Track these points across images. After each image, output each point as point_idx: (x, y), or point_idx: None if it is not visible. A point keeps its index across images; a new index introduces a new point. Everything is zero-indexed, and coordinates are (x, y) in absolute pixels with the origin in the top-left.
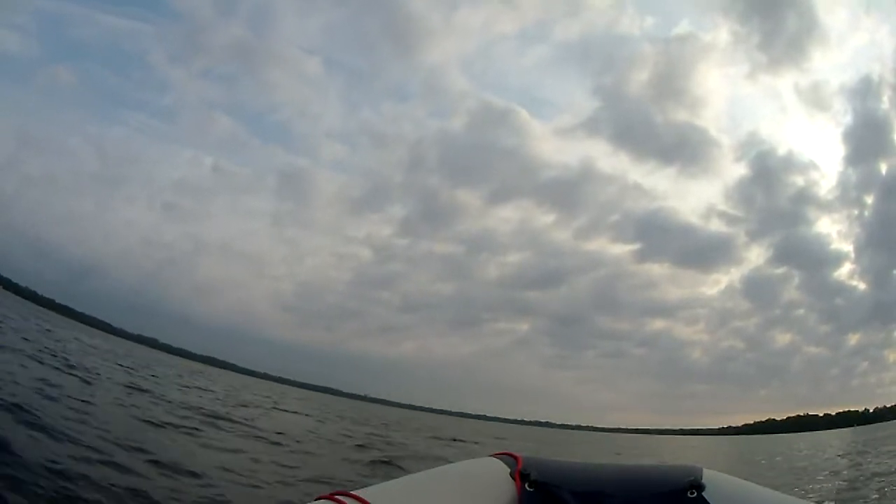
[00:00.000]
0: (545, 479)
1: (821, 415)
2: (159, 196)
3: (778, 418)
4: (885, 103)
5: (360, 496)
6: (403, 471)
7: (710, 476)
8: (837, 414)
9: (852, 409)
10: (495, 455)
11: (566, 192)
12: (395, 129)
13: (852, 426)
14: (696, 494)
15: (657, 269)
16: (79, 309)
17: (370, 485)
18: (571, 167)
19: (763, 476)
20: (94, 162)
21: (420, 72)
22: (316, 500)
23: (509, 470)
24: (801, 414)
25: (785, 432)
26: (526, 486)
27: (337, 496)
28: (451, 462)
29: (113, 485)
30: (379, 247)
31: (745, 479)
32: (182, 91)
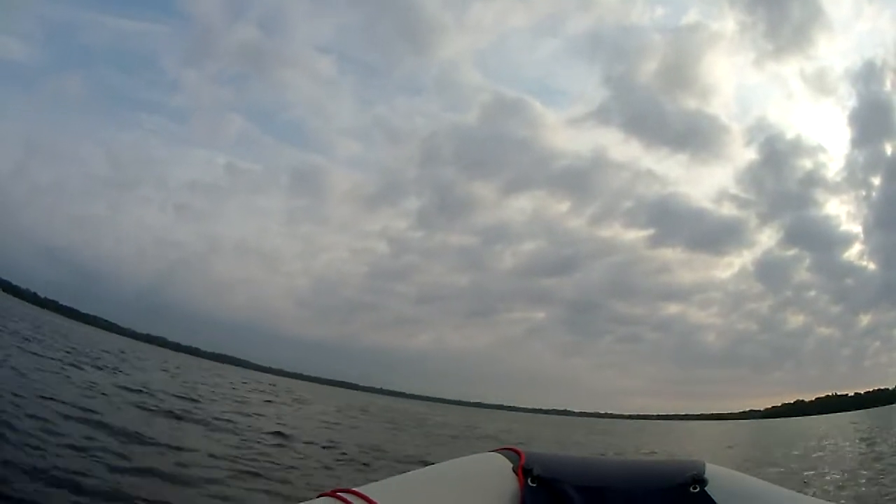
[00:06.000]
0: (548, 475)
1: (850, 394)
2: (173, 197)
3: (806, 399)
4: (888, 86)
5: (363, 493)
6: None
7: (712, 471)
8: (867, 393)
9: (881, 388)
10: (497, 450)
11: (579, 180)
12: (410, 123)
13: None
14: (698, 489)
15: (671, 254)
16: (83, 310)
17: (372, 481)
18: (584, 156)
19: None
20: (107, 165)
21: (433, 67)
22: (318, 496)
23: (512, 465)
24: (830, 394)
25: (815, 414)
26: (529, 481)
27: (339, 493)
28: (454, 458)
29: None
30: (395, 240)
31: (747, 474)
32: (194, 92)
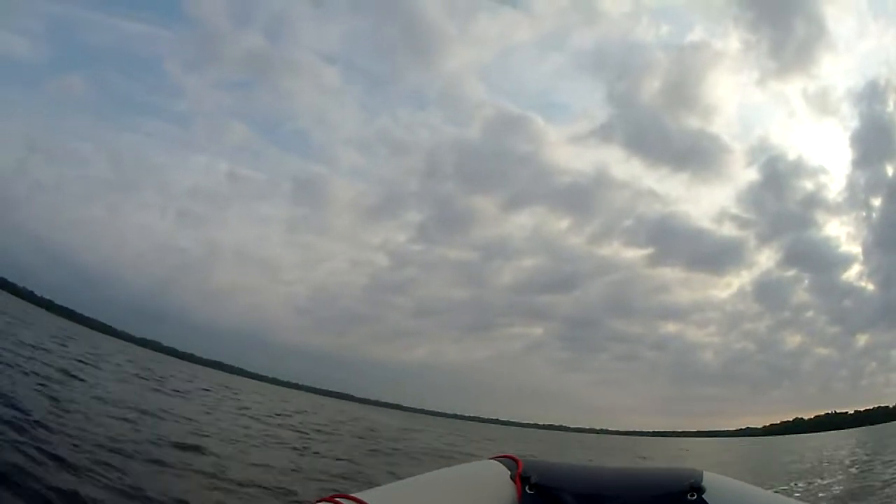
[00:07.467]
0: (546, 482)
1: (850, 412)
2: (173, 202)
3: (805, 417)
4: (891, 106)
5: (360, 499)
6: None
7: (709, 479)
8: (867, 411)
9: (881, 406)
10: (495, 458)
11: (580, 197)
12: (413, 136)
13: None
14: (696, 497)
15: (670, 273)
16: (79, 311)
17: (369, 488)
18: (585, 173)
19: None
20: (107, 168)
21: (438, 80)
22: (317, 502)
23: (510, 473)
24: (829, 412)
25: (814, 432)
26: (526, 488)
27: (337, 498)
28: (452, 465)
29: None
30: (394, 253)
31: (744, 482)
32: (197, 97)
